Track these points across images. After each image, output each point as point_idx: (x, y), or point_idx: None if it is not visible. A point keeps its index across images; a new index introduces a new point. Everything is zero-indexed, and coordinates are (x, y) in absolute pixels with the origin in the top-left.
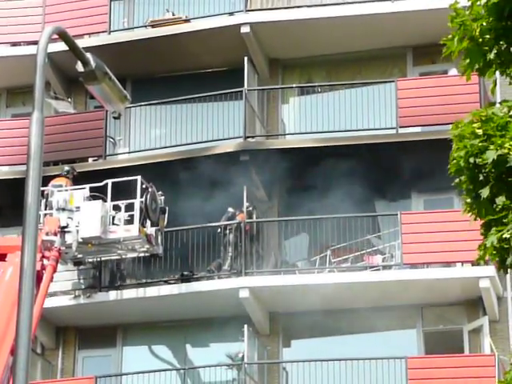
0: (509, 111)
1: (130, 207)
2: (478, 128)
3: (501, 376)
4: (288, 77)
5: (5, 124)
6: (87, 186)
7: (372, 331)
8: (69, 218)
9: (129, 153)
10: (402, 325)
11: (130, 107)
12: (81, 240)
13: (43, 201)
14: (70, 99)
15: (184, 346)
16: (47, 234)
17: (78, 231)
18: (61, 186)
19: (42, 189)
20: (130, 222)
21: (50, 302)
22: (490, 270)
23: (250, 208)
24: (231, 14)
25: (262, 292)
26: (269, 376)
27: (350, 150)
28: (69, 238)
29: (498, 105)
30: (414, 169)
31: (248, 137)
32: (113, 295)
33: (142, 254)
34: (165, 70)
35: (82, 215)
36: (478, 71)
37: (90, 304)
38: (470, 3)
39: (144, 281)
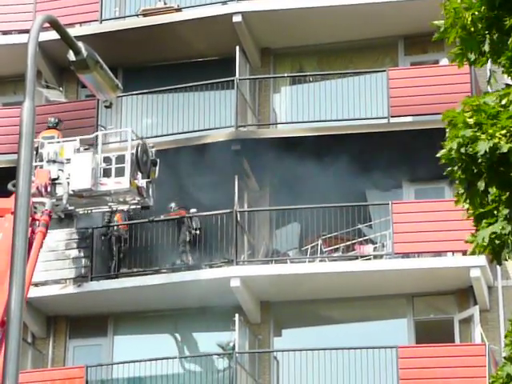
0: (500, 100)
1: (120, 160)
2: (470, 117)
3: (491, 366)
4: (279, 66)
5: None
6: (78, 138)
7: (363, 320)
8: (59, 170)
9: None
10: (392, 314)
11: (122, 96)
12: (71, 192)
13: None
14: (61, 88)
15: (175, 335)
16: (38, 187)
17: (68, 183)
18: (52, 137)
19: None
20: (120, 174)
21: (41, 291)
22: (481, 259)
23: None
24: (223, 3)
25: (253, 281)
26: (260, 365)
27: (342, 140)
28: (59, 190)
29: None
30: (406, 158)
31: (239, 126)
32: (104, 284)
33: (133, 207)
34: (156, 59)
35: (73, 167)
36: (469, 61)
37: (80, 293)
38: None
39: (135, 270)
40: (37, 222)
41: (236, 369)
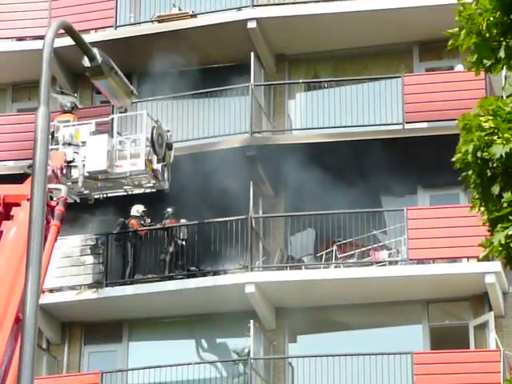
0: None
1: (136, 143)
2: (485, 121)
3: (506, 372)
4: (294, 72)
5: (10, 119)
6: (93, 121)
7: (378, 326)
8: (75, 152)
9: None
10: (407, 320)
11: (137, 102)
12: (87, 174)
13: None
14: (76, 94)
15: (190, 341)
16: (53, 170)
17: (84, 165)
18: (68, 121)
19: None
20: (136, 156)
21: (56, 297)
22: (496, 265)
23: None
24: (238, 9)
25: (268, 287)
26: (275, 371)
27: (357, 146)
28: (75, 173)
29: (504, 95)
30: (420, 164)
31: (254, 132)
32: (118, 291)
33: (148, 190)
34: (171, 65)
35: (88, 149)
36: (485, 68)
37: (95, 299)
38: None
39: (150, 276)
40: (51, 215)
41: (251, 375)
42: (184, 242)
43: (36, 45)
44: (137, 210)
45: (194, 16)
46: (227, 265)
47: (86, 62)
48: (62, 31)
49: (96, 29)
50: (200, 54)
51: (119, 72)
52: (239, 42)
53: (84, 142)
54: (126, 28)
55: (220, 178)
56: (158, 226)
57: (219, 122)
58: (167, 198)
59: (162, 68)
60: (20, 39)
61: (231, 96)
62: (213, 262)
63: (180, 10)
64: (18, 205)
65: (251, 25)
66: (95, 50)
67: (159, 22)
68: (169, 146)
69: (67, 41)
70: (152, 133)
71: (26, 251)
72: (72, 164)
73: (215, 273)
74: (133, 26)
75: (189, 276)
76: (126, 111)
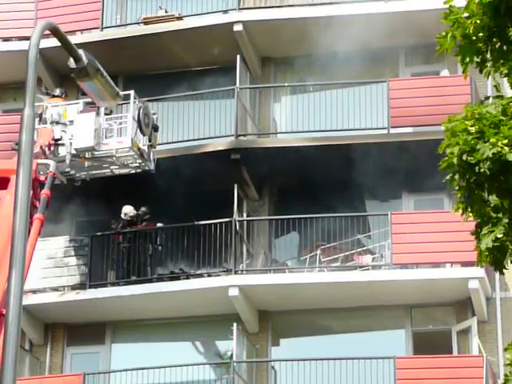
0: (503, 109)
1: (123, 122)
2: (471, 126)
3: (489, 377)
4: (280, 75)
5: None
6: (81, 101)
7: (361, 331)
8: (62, 131)
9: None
10: (390, 325)
11: (122, 104)
12: (74, 152)
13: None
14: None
15: (173, 343)
16: (41, 147)
17: (71, 144)
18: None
19: (37, 104)
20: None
21: (39, 298)
22: (480, 271)
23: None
24: (224, 12)
25: (251, 290)
26: (257, 375)
27: (341, 150)
28: (62, 151)
29: (490, 99)
30: (405, 169)
31: (239, 135)
32: (102, 292)
33: (133, 171)
34: (157, 67)
35: (76, 127)
36: (478, 65)
37: (78, 301)
38: (464, 2)
39: (133, 278)
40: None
41: (233, 378)
42: (160, 248)
43: (22, 45)
44: (125, 213)
45: (180, 18)
46: (211, 268)
47: (72, 64)
48: (48, 32)
49: (82, 30)
50: (186, 56)
51: (105, 74)
52: (225, 44)
53: (72, 121)
54: (113, 30)
55: (204, 180)
56: (138, 228)
57: (204, 125)
58: (152, 199)
59: (147, 70)
60: (6, 40)
61: (216, 99)
62: (196, 265)
63: (166, 12)
64: (7, 179)
65: (237, 28)
66: (81, 52)
67: (145, 23)
68: (155, 128)
69: (53, 42)
70: (138, 112)
71: (10, 253)
72: (59, 142)
73: (199, 275)
74: (119, 28)
75: (172, 278)
76: (111, 113)
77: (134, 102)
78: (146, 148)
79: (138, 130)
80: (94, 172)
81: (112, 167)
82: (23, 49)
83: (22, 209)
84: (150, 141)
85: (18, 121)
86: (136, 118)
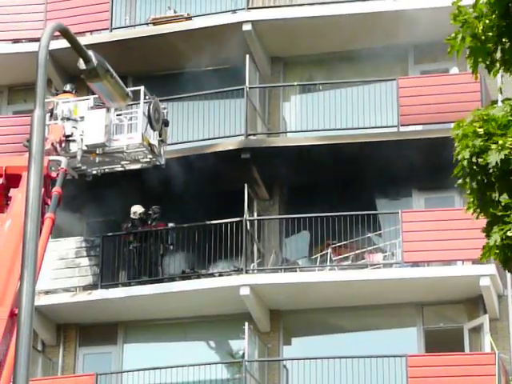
0: (510, 110)
1: (133, 118)
2: (480, 127)
3: (501, 374)
4: (289, 75)
5: (6, 121)
6: (92, 97)
7: (372, 329)
8: (73, 127)
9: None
10: (402, 323)
11: (132, 104)
12: (85, 148)
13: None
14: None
15: (185, 343)
16: (53, 143)
17: (82, 140)
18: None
19: (48, 101)
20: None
21: (51, 299)
22: (491, 268)
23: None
24: (233, 11)
25: (262, 290)
26: (269, 374)
27: (351, 148)
28: (73, 147)
29: (500, 103)
30: (415, 167)
31: (249, 134)
32: (113, 293)
33: (144, 166)
34: (166, 67)
35: (87, 124)
36: (486, 65)
37: (90, 301)
38: (473, 1)
39: (145, 278)
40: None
41: (245, 377)
42: (171, 247)
43: (32, 47)
44: (134, 212)
45: (189, 18)
46: (222, 267)
47: (82, 65)
48: (58, 33)
49: (91, 31)
50: (195, 57)
51: (115, 74)
52: (234, 44)
53: (82, 117)
54: (122, 30)
55: (215, 180)
56: (152, 228)
57: (214, 125)
58: (162, 199)
59: (157, 70)
60: (16, 41)
61: (226, 98)
62: (207, 265)
63: (175, 12)
64: (19, 176)
65: (246, 27)
66: (90, 53)
67: (154, 24)
68: (165, 123)
69: (63, 43)
70: (149, 108)
71: (22, 254)
72: (70, 138)
73: (210, 275)
74: (128, 29)
75: (184, 278)
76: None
77: (145, 98)
78: (156, 143)
79: (149, 126)
80: (105, 167)
81: (123, 162)
82: (33, 50)
83: (33, 211)
84: (160, 136)
85: (28, 122)
86: (146, 114)
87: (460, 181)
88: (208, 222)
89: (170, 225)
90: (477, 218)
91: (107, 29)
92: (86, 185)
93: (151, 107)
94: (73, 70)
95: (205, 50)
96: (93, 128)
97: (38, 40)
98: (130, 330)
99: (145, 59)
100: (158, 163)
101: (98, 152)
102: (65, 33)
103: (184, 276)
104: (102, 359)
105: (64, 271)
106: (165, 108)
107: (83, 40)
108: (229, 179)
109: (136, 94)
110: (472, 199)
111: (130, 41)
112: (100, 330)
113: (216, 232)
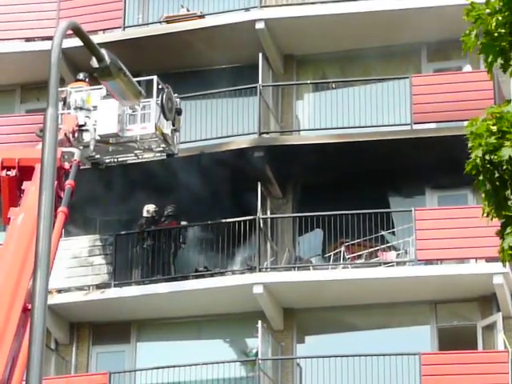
0: None
1: (146, 107)
2: (493, 125)
3: None
4: (302, 73)
5: (19, 119)
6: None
7: (386, 327)
8: (86, 117)
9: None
10: (415, 321)
11: (144, 103)
12: (98, 138)
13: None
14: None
15: (198, 341)
16: (66, 133)
17: (95, 129)
18: (80, 88)
19: (61, 89)
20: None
21: (64, 298)
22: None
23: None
24: (246, 10)
25: (276, 288)
26: (283, 372)
27: (365, 146)
28: (86, 137)
29: None
30: (428, 165)
31: (262, 133)
32: (126, 291)
33: (158, 155)
34: (179, 65)
35: (100, 113)
36: (502, 66)
37: (103, 300)
38: None
39: (158, 276)
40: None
41: (259, 376)
42: (184, 246)
43: (44, 45)
44: (147, 210)
45: (202, 17)
46: (235, 265)
47: (95, 63)
48: (71, 32)
49: (104, 30)
50: (208, 55)
51: (127, 73)
52: (247, 42)
53: (95, 107)
54: (135, 29)
55: (228, 178)
56: (166, 226)
57: (227, 123)
58: (175, 197)
59: (169, 68)
60: (28, 40)
61: (239, 96)
62: (221, 263)
63: (188, 10)
64: (32, 168)
65: (259, 26)
66: (103, 51)
67: (167, 22)
68: (178, 111)
69: (76, 42)
70: (162, 97)
71: (35, 254)
72: (83, 128)
73: (223, 273)
74: (141, 27)
75: (197, 276)
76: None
77: (158, 88)
78: (169, 132)
79: (162, 115)
80: (118, 156)
81: (136, 151)
82: (46, 49)
83: (45, 213)
84: (173, 125)
85: (41, 121)
86: (159, 103)
87: (475, 182)
88: (221, 221)
89: (183, 223)
90: (491, 219)
91: (120, 27)
92: (101, 183)
93: (164, 97)
94: (86, 69)
95: (218, 49)
96: (106, 118)
97: (50, 38)
98: (143, 328)
99: (157, 58)
100: (171, 152)
101: (110, 141)
102: (77, 31)
103: (197, 274)
104: (116, 358)
105: (77, 270)
106: (178, 97)
107: (96, 38)
108: (242, 177)
109: (149, 82)
110: (487, 203)
111: (142, 39)
112: (113, 329)
113: (229, 230)
